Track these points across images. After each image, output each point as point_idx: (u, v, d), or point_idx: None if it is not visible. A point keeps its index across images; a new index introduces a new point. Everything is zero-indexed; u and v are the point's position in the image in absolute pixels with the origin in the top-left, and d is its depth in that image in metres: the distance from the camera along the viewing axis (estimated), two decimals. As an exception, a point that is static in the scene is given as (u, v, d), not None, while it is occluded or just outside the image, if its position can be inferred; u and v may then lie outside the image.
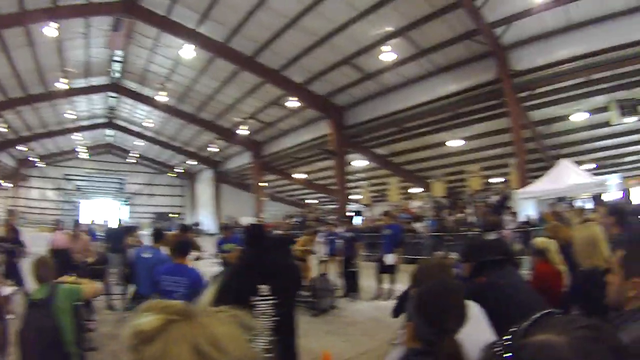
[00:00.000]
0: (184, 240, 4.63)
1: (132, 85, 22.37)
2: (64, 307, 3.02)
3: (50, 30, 13.84)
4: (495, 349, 0.65)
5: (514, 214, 12.50)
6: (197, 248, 7.24)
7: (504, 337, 0.66)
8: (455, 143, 17.48)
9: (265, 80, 16.84)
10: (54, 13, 13.71)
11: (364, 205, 23.69)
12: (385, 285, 8.67)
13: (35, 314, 3.00)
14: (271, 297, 2.69)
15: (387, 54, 12.81)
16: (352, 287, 8.97)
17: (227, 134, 23.76)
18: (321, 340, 5.76)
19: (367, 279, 9.20)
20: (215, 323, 0.64)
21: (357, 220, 19.64)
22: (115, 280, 8.57)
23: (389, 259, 8.65)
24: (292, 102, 17.52)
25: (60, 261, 4.96)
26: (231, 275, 2.98)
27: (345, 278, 9.16)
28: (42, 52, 16.56)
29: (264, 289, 2.69)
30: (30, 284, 3.70)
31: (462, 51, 12.88)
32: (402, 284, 7.99)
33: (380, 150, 20.31)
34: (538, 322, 0.66)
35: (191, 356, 0.58)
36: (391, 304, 7.54)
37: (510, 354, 0.62)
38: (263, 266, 2.85)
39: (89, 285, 3.37)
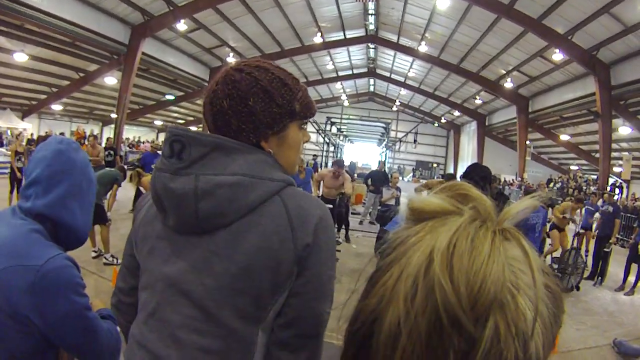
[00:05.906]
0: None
1: (390, 36, 23.21)
2: None
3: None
4: None
5: None
6: None
7: None
8: None
9: (526, 30, 15.53)
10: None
11: (623, 180, 19.61)
12: (633, 278, 7.43)
13: None
14: None
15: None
16: (600, 271, 7.93)
17: (492, 86, 22.83)
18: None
19: (615, 265, 8.11)
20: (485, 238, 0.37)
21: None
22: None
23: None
24: (556, 55, 15.80)
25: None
26: None
27: (595, 258, 8.10)
28: (291, 11, 18.66)
29: None
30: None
31: None
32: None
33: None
34: None
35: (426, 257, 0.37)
36: (633, 300, 7.02)
37: None
38: None
39: None
